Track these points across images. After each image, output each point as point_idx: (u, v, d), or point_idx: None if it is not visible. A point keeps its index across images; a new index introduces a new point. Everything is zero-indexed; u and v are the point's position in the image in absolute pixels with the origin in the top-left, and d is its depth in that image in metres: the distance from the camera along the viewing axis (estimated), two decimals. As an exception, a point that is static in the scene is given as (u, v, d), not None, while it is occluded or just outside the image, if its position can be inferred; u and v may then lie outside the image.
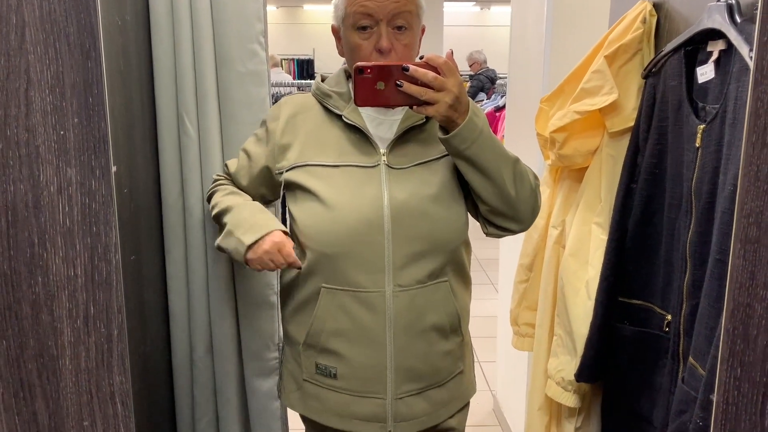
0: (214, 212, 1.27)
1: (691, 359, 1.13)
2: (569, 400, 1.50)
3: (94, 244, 0.74)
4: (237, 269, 1.51)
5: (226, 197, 1.26)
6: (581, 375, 1.45)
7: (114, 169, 0.71)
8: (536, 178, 1.24)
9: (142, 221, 1.41)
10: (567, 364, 1.50)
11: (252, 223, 1.16)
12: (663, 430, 1.27)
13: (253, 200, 1.28)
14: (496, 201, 1.15)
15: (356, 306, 1.14)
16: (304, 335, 1.20)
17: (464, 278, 1.28)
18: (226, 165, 1.36)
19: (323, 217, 1.14)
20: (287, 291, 1.26)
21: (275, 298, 1.51)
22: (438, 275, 1.18)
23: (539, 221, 1.66)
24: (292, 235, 1.21)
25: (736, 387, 0.76)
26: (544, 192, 1.64)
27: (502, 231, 1.23)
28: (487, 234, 1.25)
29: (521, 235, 1.74)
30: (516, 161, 1.16)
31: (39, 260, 0.75)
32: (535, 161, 2.20)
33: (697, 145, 1.18)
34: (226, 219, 1.20)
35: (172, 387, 1.61)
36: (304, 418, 1.30)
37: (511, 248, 2.46)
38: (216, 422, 1.65)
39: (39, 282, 0.77)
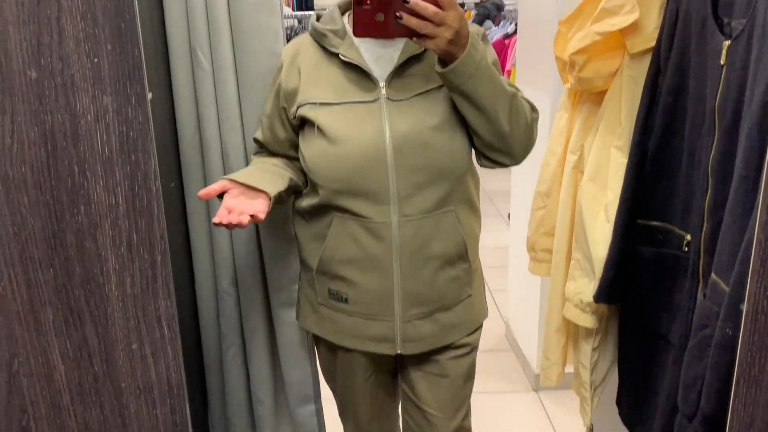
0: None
1: (713, 275, 1.15)
2: (587, 321, 1.54)
3: (133, 172, 0.75)
4: None
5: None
6: (600, 296, 1.48)
7: (150, 95, 0.71)
8: (534, 111, 1.24)
9: (161, 158, 1.41)
10: (585, 286, 1.53)
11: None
12: (680, 347, 1.31)
13: (293, 162, 1.30)
14: (489, 136, 1.17)
15: (365, 235, 1.18)
16: (317, 263, 1.24)
17: (471, 207, 1.30)
18: (254, 140, 1.36)
19: (327, 154, 1.16)
20: (302, 221, 1.29)
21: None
22: (443, 204, 1.21)
23: (557, 147, 1.66)
24: (306, 173, 1.24)
25: (766, 297, 0.79)
26: (562, 117, 1.63)
27: (494, 164, 1.26)
28: (481, 165, 1.27)
29: (536, 165, 1.75)
30: (513, 96, 1.17)
31: (80, 189, 0.76)
32: (548, 87, 2.19)
33: (722, 62, 1.16)
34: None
35: (197, 320, 1.65)
36: (318, 340, 1.36)
37: (524, 179, 2.46)
38: (243, 352, 1.69)
39: (81, 211, 0.78)
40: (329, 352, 1.36)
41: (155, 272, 0.81)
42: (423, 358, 1.31)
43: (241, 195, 1.10)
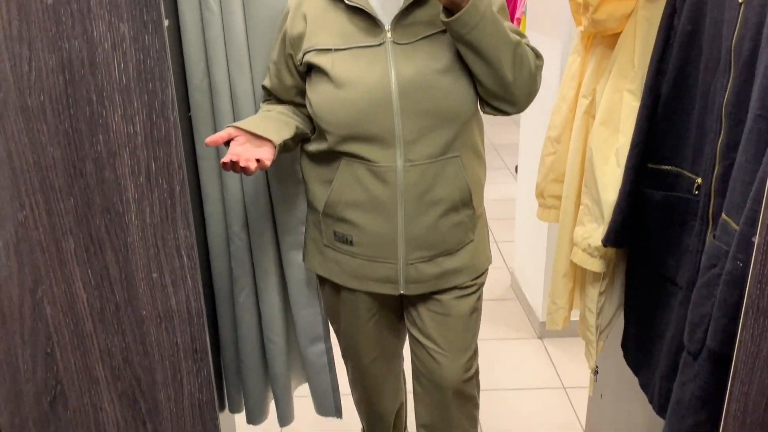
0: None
1: (724, 216, 1.16)
2: (595, 265, 1.55)
3: (151, 101, 0.75)
4: None
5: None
6: (608, 240, 1.49)
7: (167, 23, 0.71)
8: (539, 58, 1.24)
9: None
10: (593, 231, 1.53)
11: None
12: (687, 290, 1.32)
13: (301, 109, 1.29)
14: (492, 84, 1.18)
15: (370, 179, 1.19)
16: (323, 205, 1.26)
17: (476, 154, 1.30)
18: (263, 87, 1.36)
19: (333, 99, 1.17)
20: (310, 164, 1.30)
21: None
22: (448, 150, 1.21)
23: (569, 92, 1.65)
24: (312, 118, 1.24)
25: (776, 230, 0.79)
26: (575, 61, 1.62)
27: (497, 111, 1.26)
28: (484, 112, 1.28)
29: (544, 117, 1.74)
30: (517, 45, 1.16)
31: (98, 118, 0.76)
32: (560, 34, 2.15)
33: (740, 0, 1.14)
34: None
35: (208, 263, 1.67)
36: (323, 281, 1.38)
37: (532, 131, 2.45)
38: (255, 294, 1.72)
39: (100, 140, 0.79)
40: (333, 292, 1.38)
41: (174, 202, 0.82)
42: (427, 298, 1.33)
43: (247, 143, 1.11)
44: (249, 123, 1.15)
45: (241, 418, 1.66)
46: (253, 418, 1.70)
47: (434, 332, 1.36)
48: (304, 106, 1.28)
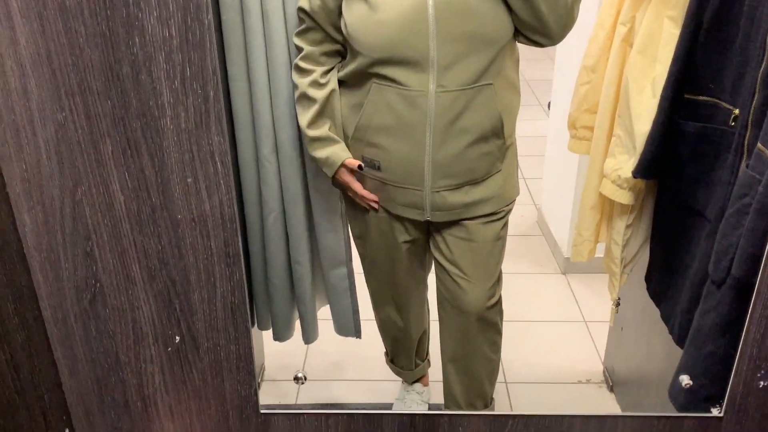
0: (297, 95, 1.33)
1: (759, 145, 1.14)
2: (624, 197, 1.54)
3: (186, 3, 0.76)
4: None
5: (309, 90, 1.31)
6: (639, 171, 1.47)
7: None
8: None
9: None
10: (624, 162, 1.52)
11: (324, 160, 1.31)
12: (716, 222, 1.31)
13: (335, 39, 1.27)
14: (527, 16, 1.14)
15: (401, 103, 1.18)
16: (353, 130, 1.26)
17: (510, 82, 1.28)
18: (300, 10, 1.32)
19: (369, 20, 1.14)
20: (341, 88, 1.29)
21: None
22: (481, 77, 1.19)
23: (607, 19, 1.60)
24: (347, 40, 1.22)
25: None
26: (615, -14, 1.56)
27: (531, 43, 1.23)
28: (518, 41, 1.24)
29: (580, 51, 1.69)
30: None
31: (134, 20, 0.77)
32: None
33: None
34: (309, 132, 1.32)
35: (240, 186, 1.69)
36: (352, 204, 1.39)
37: (567, 67, 2.39)
38: (283, 218, 1.75)
39: (136, 42, 0.79)
40: (362, 215, 1.39)
41: (208, 107, 0.84)
42: (453, 224, 1.34)
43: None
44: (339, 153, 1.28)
45: (268, 335, 1.72)
46: (280, 336, 1.76)
47: (459, 258, 1.37)
48: (339, 42, 1.26)
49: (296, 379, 1.26)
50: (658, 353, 1.75)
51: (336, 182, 1.32)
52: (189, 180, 0.88)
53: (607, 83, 1.60)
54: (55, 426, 1.02)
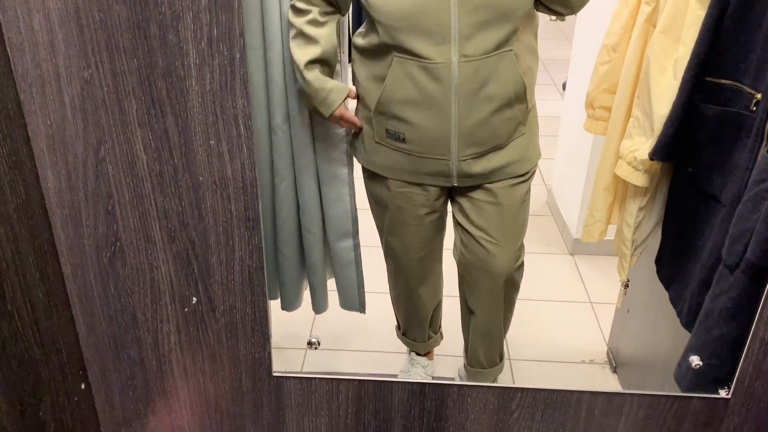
0: (292, 34, 1.29)
1: (781, 130, 1.13)
2: (639, 179, 1.54)
3: (215, -37, 0.75)
4: None
5: (306, 28, 1.28)
6: (655, 153, 1.46)
7: None
8: None
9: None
10: (641, 144, 1.51)
11: (323, 99, 1.29)
12: (731, 206, 1.31)
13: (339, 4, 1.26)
14: None
15: (424, 76, 1.17)
16: (375, 103, 1.25)
17: (530, 47, 1.28)
18: None
19: None
20: (361, 60, 1.29)
21: (341, 71, 1.53)
22: (503, 45, 1.19)
23: (631, -2, 1.58)
24: (365, 11, 1.21)
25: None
26: (642, -36, 1.54)
27: (549, 11, 1.23)
28: (537, 10, 1.23)
29: (599, 32, 1.67)
30: None
31: (164, -21, 0.77)
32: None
33: None
34: (306, 73, 1.29)
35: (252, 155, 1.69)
36: (372, 176, 1.39)
37: (585, 46, 2.36)
38: (294, 187, 1.75)
39: (165, 1, 0.79)
40: (384, 187, 1.40)
41: (233, 69, 0.84)
42: (477, 188, 1.35)
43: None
44: (338, 93, 1.27)
45: (275, 304, 1.73)
46: (288, 305, 1.77)
47: (486, 222, 1.37)
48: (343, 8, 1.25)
49: (310, 343, 1.27)
50: (664, 336, 1.76)
51: (335, 120, 1.33)
52: (212, 142, 0.88)
53: (628, 63, 1.59)
54: (72, 380, 1.04)
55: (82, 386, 1.06)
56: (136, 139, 0.88)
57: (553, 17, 1.28)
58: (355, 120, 1.30)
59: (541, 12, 1.24)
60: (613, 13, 1.63)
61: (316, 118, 1.61)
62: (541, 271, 2.47)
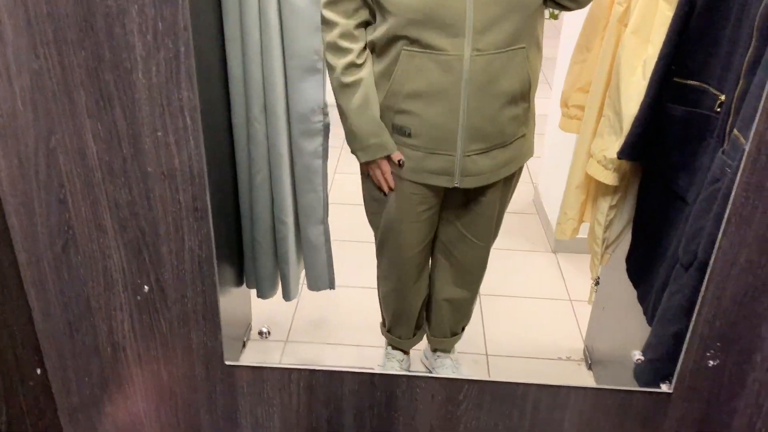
0: (333, 76, 1.31)
1: (735, 132, 1.14)
2: (608, 177, 1.55)
3: (158, -42, 0.77)
4: (286, 34, 1.53)
5: (350, 72, 1.28)
6: (623, 153, 1.47)
7: None
8: None
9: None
10: (611, 143, 1.52)
11: (366, 145, 1.30)
12: (695, 206, 1.32)
13: (368, 5, 1.23)
14: None
15: (434, 68, 1.17)
16: (383, 97, 1.25)
17: (538, 46, 1.29)
18: None
19: None
20: (372, 53, 1.26)
21: (321, 65, 1.53)
22: (515, 41, 1.19)
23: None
24: (378, 4, 1.19)
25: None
26: (613, -36, 1.55)
27: (558, 6, 1.25)
28: (545, 6, 1.24)
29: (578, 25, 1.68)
30: None
31: (108, -28, 0.78)
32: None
33: None
34: (350, 115, 1.30)
35: (232, 145, 1.70)
36: (368, 176, 1.39)
37: (571, 44, 2.36)
38: (269, 178, 1.77)
39: (110, -5, 0.81)
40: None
41: (179, 62, 0.85)
42: (472, 196, 1.38)
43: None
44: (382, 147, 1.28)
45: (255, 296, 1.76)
46: (263, 293, 1.80)
47: (475, 228, 1.43)
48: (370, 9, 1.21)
49: (260, 333, 1.29)
50: (636, 334, 1.77)
51: (368, 167, 1.33)
52: (159, 134, 0.90)
53: (600, 63, 1.60)
54: (27, 365, 1.06)
55: (38, 371, 1.08)
56: (86, 130, 0.90)
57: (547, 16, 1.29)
58: (391, 182, 1.33)
59: (550, 7, 1.25)
60: (587, 13, 1.64)
61: (293, 114, 1.62)
62: (523, 268, 2.48)
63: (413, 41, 1.15)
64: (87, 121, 0.90)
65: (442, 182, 1.29)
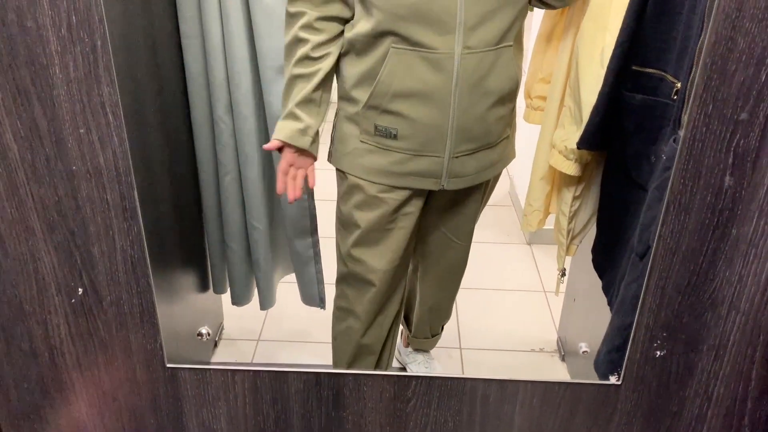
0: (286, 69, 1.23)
1: (685, 119, 1.12)
2: (570, 168, 1.53)
3: (67, -52, 0.74)
4: (256, 33, 1.48)
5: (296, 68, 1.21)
6: (583, 142, 1.45)
7: None
8: None
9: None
10: (572, 134, 1.50)
11: (304, 129, 1.22)
12: (654, 196, 1.31)
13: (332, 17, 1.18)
14: None
15: (424, 67, 1.13)
16: (367, 97, 1.19)
17: (521, 46, 1.28)
18: None
19: None
20: (350, 56, 1.21)
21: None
22: (504, 39, 1.17)
23: (562, -14, 1.57)
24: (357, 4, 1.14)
25: (704, 123, 0.76)
26: (570, -49, 1.53)
27: (543, 5, 1.25)
28: (530, 4, 1.22)
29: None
30: None
31: (16, -36, 0.75)
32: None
33: None
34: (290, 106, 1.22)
35: (193, 146, 1.66)
36: (347, 179, 1.31)
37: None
38: (239, 180, 1.72)
39: (20, -12, 0.78)
40: (360, 192, 1.30)
41: (96, 57, 0.82)
42: (454, 198, 1.35)
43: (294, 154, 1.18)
44: (292, 133, 1.18)
45: (226, 299, 1.73)
46: (238, 300, 1.76)
47: (457, 229, 1.42)
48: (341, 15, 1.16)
49: (199, 335, 1.26)
50: (606, 324, 1.76)
51: (283, 155, 1.25)
52: (81, 131, 0.87)
53: (561, 53, 1.58)
54: (-39, 372, 1.04)
55: (-26, 378, 1.05)
56: (5, 128, 0.87)
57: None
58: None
59: (535, 5, 1.24)
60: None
61: (268, 115, 1.58)
62: (498, 260, 2.47)
63: (401, 38, 1.10)
64: (6, 119, 0.87)
65: (429, 185, 1.24)
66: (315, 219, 1.61)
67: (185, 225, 1.64)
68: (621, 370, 1.16)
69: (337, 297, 1.41)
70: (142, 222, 0.94)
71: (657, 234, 0.85)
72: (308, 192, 1.54)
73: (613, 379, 1.05)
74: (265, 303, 1.72)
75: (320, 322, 1.64)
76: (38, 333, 1.03)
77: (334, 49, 1.17)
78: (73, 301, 1.01)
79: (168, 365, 1.05)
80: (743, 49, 0.75)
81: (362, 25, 1.13)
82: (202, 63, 1.59)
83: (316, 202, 1.62)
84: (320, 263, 1.63)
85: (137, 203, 0.91)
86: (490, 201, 2.82)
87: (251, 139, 1.63)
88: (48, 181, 0.91)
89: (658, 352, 1.00)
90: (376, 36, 1.12)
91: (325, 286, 1.66)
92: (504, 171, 3.11)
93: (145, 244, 0.95)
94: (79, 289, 0.99)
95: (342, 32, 1.17)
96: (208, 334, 1.32)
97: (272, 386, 1.06)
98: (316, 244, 1.65)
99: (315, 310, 1.70)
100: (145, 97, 1.15)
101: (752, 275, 0.93)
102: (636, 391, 1.04)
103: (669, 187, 0.82)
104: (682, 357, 0.99)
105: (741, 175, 0.86)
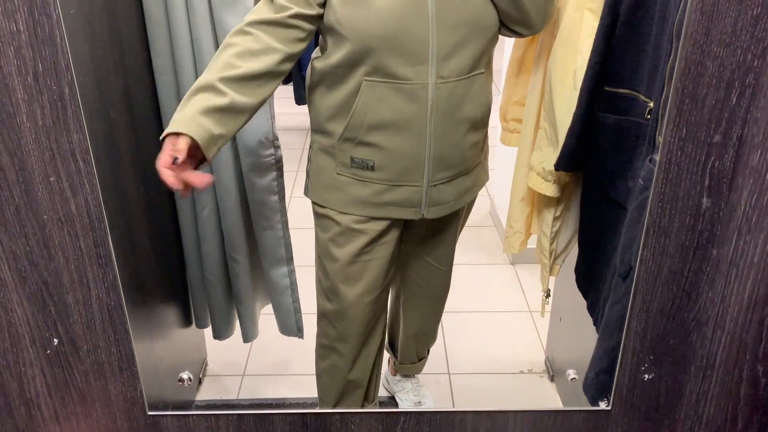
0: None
1: (659, 138, 1.13)
2: (549, 189, 1.54)
3: (31, -3, 0.73)
4: None
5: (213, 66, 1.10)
6: (560, 164, 1.46)
7: None
8: None
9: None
10: (549, 155, 1.51)
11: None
12: (633, 214, 1.31)
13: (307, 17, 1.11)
14: (507, 6, 1.14)
15: (398, 97, 1.12)
16: (342, 130, 1.18)
17: (491, 71, 1.29)
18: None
19: (366, 6, 1.06)
20: (321, 90, 1.20)
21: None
22: (475, 67, 1.18)
23: (532, 10, 1.58)
24: (330, 30, 1.11)
25: (679, 147, 0.77)
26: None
27: (512, 33, 1.24)
28: (500, 33, 1.23)
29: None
30: None
31: (-21, 14, 0.74)
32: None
33: None
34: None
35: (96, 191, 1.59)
36: (324, 212, 1.29)
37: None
38: (217, 213, 1.71)
39: (-16, 38, 0.77)
40: (336, 225, 1.28)
41: (64, 104, 0.81)
42: (433, 224, 1.35)
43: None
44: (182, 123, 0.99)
45: (209, 333, 1.70)
46: (219, 334, 1.74)
47: (438, 255, 1.42)
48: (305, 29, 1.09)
49: (180, 380, 1.24)
50: (592, 344, 1.75)
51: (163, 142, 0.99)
52: (52, 179, 0.86)
53: (534, 75, 1.59)
54: (-67, 431, 1.00)
55: (-53, 437, 1.02)
56: (-29, 178, 0.85)
57: None
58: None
59: (504, 34, 1.24)
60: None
61: (240, 145, 1.56)
62: (482, 282, 2.46)
63: (374, 70, 1.10)
64: (-27, 170, 0.85)
65: (408, 214, 1.24)
66: (290, 248, 1.59)
67: (165, 262, 1.62)
68: (610, 395, 1.15)
69: (319, 335, 1.39)
70: (119, 265, 0.92)
71: (638, 257, 0.85)
72: (282, 220, 1.53)
73: (603, 405, 1.04)
74: (248, 335, 1.70)
75: (302, 353, 1.62)
76: (13, 387, 1.00)
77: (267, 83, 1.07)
78: (48, 351, 0.98)
79: (149, 413, 1.02)
80: (713, 73, 0.76)
81: (333, 58, 1.12)
82: (175, 97, 1.58)
83: (291, 231, 1.61)
84: (297, 292, 1.61)
85: (112, 249, 0.90)
86: (472, 222, 2.82)
87: (228, 172, 1.62)
88: (18, 231, 0.89)
89: (647, 376, 0.99)
90: (349, 67, 1.11)
91: (303, 315, 1.64)
92: (484, 191, 3.12)
93: (121, 291, 0.93)
94: (55, 340, 0.97)
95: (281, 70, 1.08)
96: (190, 380, 1.29)
97: (257, 429, 1.03)
98: (292, 273, 1.63)
99: (296, 340, 1.67)
100: (119, 136, 1.13)
101: (735, 294, 0.93)
102: (626, 416, 1.03)
103: (648, 210, 0.82)
104: (670, 379, 0.99)
105: (718, 197, 0.87)
